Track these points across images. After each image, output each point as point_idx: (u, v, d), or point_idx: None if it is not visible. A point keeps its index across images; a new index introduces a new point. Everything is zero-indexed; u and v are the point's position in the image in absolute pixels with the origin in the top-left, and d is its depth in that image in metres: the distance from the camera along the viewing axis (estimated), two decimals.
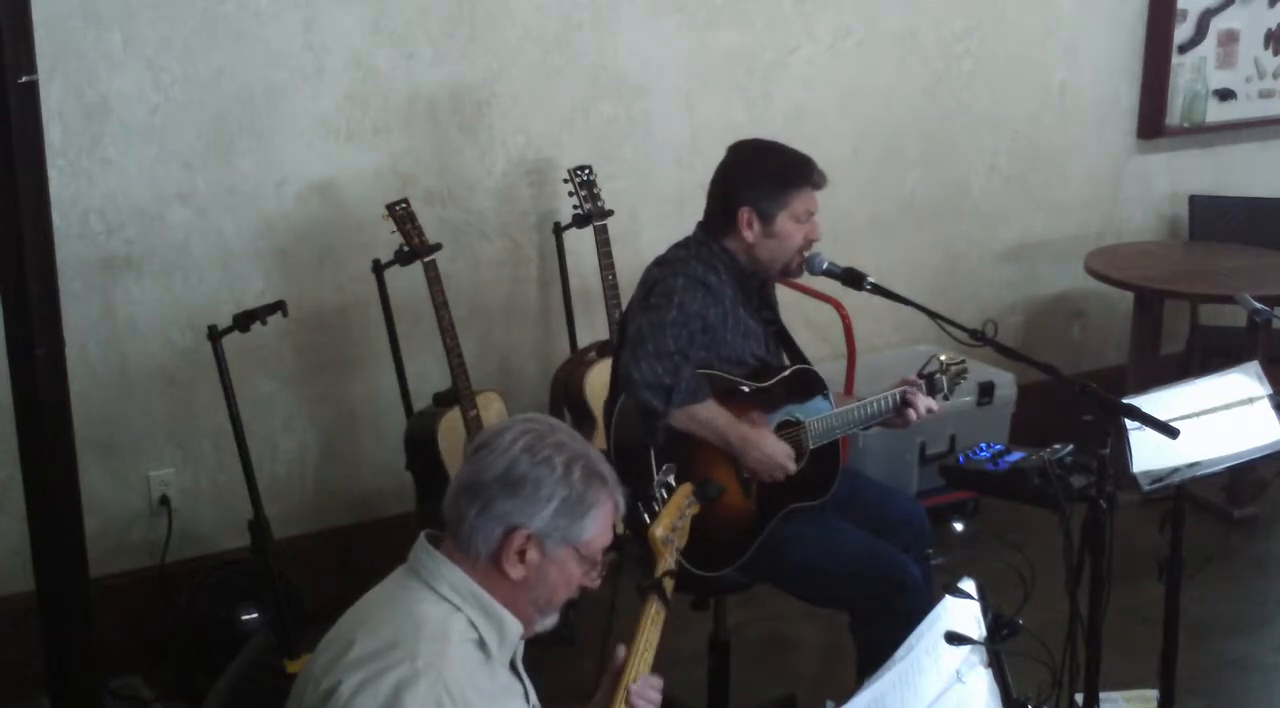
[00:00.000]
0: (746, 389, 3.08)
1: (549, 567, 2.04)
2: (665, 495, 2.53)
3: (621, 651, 2.23)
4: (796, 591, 3.15)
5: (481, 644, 2.02)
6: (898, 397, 3.16)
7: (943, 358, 3.29)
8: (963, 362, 3.34)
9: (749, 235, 3.09)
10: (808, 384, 3.19)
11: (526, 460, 2.01)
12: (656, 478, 2.61)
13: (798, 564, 3.07)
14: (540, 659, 2.31)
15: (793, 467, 3.02)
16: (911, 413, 3.15)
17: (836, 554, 3.05)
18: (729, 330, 3.09)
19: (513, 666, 2.11)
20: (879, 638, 2.95)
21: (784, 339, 3.28)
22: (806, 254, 3.15)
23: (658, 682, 2.24)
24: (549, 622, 2.13)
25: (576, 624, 3.67)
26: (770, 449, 3.00)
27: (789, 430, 3.09)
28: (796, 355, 3.25)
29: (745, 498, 3.04)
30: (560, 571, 2.05)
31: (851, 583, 3.02)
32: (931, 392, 3.22)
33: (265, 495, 3.63)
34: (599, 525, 2.06)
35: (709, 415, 2.97)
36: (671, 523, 2.46)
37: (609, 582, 2.18)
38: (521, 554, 2.01)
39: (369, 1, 3.84)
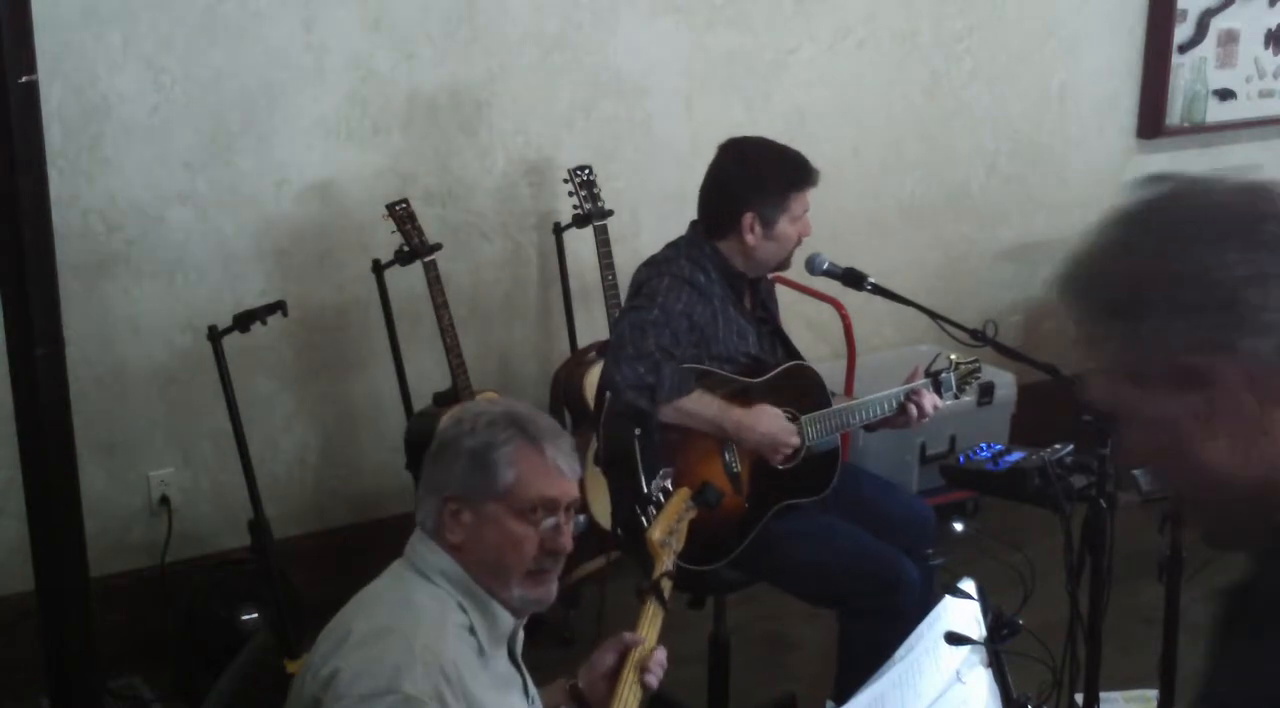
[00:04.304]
0: (741, 384, 3.06)
1: (483, 527, 2.01)
2: (663, 499, 2.54)
3: (629, 636, 2.24)
4: (791, 588, 3.15)
5: (472, 630, 2.02)
6: (900, 398, 3.15)
7: (953, 356, 3.27)
8: (975, 361, 3.32)
9: (751, 239, 3.09)
10: (806, 389, 3.17)
11: (451, 430, 2.02)
12: (655, 482, 2.61)
13: (793, 561, 3.06)
14: (540, 660, 2.31)
15: (796, 440, 3.00)
16: (913, 409, 3.14)
17: (831, 552, 3.04)
18: (719, 328, 3.07)
19: (512, 657, 2.11)
20: (863, 635, 2.96)
21: (782, 341, 3.26)
22: (810, 254, 3.16)
23: (664, 651, 2.25)
24: (532, 595, 2.06)
25: (575, 625, 3.67)
26: (768, 427, 2.99)
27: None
28: (795, 358, 3.24)
29: (736, 494, 3.02)
30: (498, 529, 2.01)
31: (845, 581, 3.01)
32: (938, 391, 3.21)
33: (265, 495, 3.63)
34: (516, 473, 2.01)
35: (698, 406, 2.96)
36: (669, 526, 2.47)
37: (599, 586, 2.18)
38: (456, 519, 2.00)
39: (369, 1, 3.84)
